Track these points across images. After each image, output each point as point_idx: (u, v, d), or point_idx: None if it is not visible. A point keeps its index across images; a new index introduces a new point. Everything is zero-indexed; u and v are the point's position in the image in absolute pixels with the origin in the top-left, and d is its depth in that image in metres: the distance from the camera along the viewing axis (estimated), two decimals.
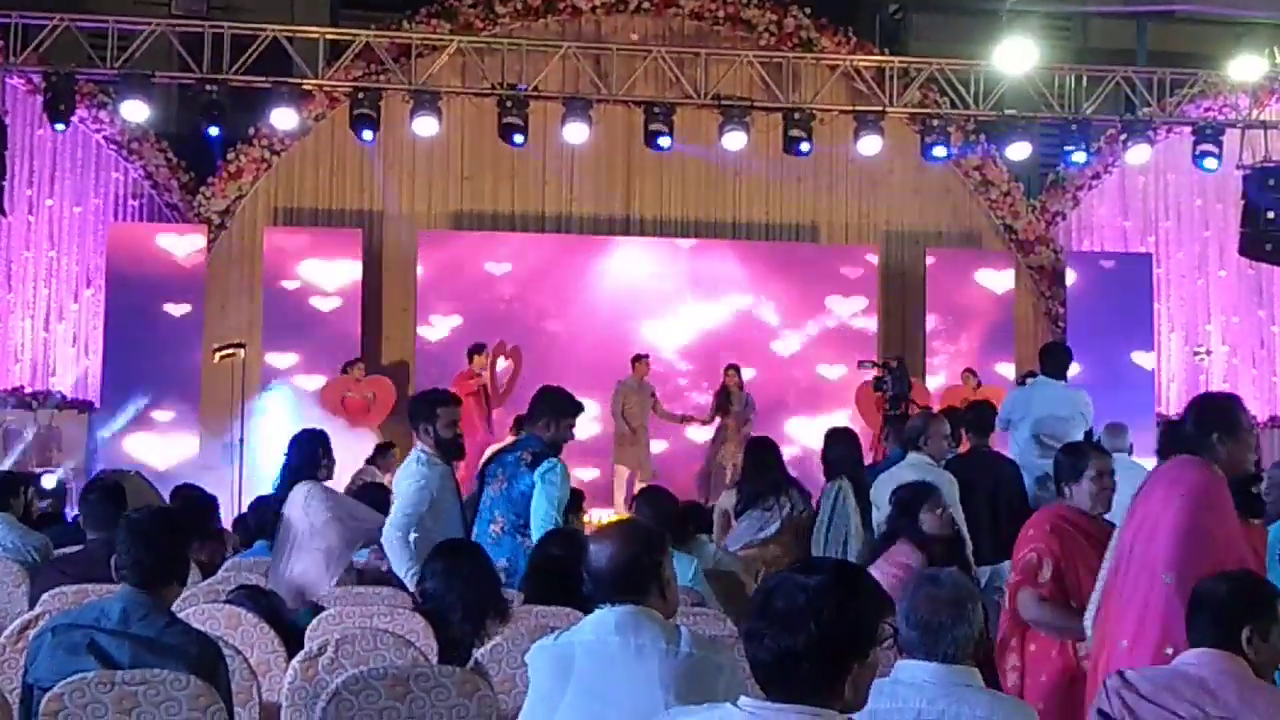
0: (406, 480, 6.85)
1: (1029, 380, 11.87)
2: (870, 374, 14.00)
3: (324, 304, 15.24)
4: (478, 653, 5.07)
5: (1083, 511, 5.30)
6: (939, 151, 14.65)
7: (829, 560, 2.94)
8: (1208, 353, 16.41)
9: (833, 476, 8.33)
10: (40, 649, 4.24)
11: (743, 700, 2.79)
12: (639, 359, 14.87)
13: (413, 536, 6.63)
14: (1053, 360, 9.66)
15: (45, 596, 5.85)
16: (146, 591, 4.19)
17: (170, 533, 4.39)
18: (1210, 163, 14.71)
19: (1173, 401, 16.51)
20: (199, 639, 4.21)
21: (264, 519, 7.87)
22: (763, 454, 8.56)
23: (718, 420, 15.00)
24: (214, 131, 13.71)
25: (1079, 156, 14.87)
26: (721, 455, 14.68)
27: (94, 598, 5.46)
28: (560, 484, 6.82)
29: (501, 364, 15.07)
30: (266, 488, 9.06)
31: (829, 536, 8.05)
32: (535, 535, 6.60)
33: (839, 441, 8.59)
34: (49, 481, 11.71)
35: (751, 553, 8.00)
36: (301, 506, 6.76)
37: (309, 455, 7.19)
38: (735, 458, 13.68)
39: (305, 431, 7.44)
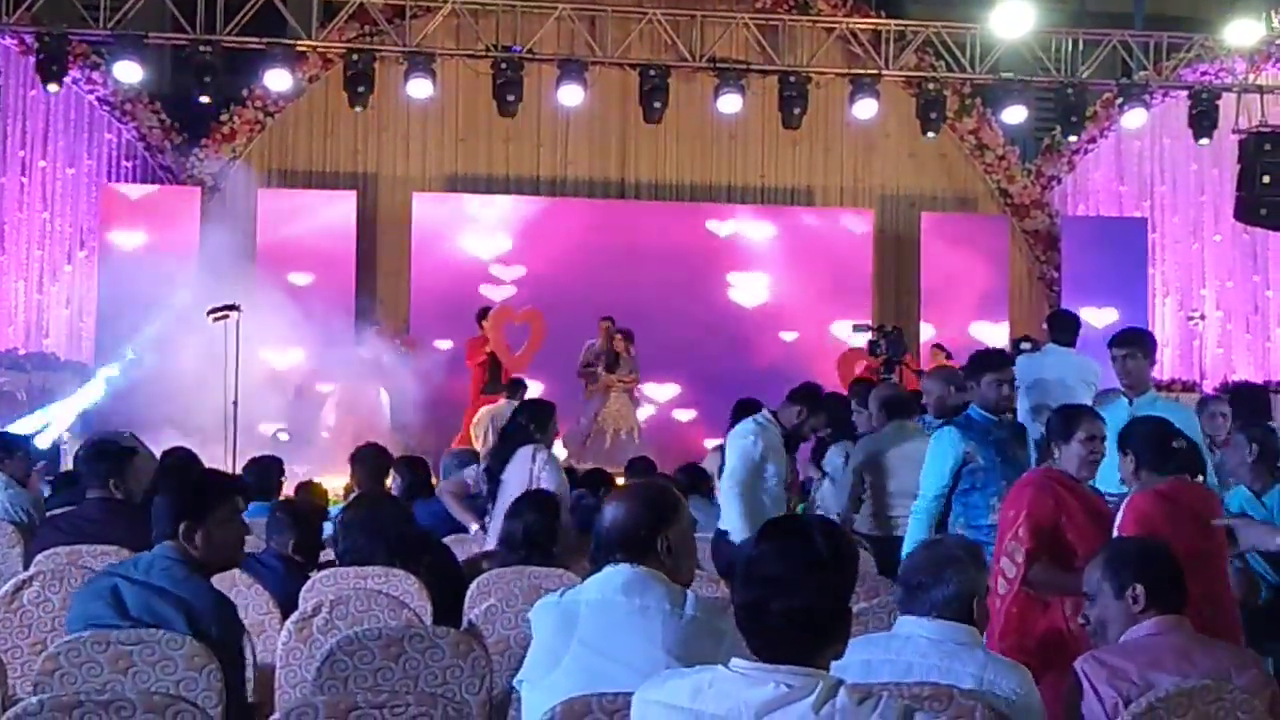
0: (742, 437, 7.32)
1: (1025, 345, 11.85)
2: (863, 338, 13.95)
3: (317, 266, 15.19)
4: (472, 613, 5.10)
5: (1068, 474, 5.32)
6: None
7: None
8: (1202, 317, 16.40)
9: (839, 439, 8.43)
10: (76, 597, 4.36)
11: (734, 661, 2.81)
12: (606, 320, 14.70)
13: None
14: (1061, 327, 9.61)
15: (40, 557, 5.85)
16: (175, 546, 4.23)
17: (190, 489, 4.43)
18: (1206, 126, 14.69)
19: (1166, 367, 16.53)
20: (210, 594, 4.22)
21: (260, 480, 7.92)
22: (547, 414, 8.62)
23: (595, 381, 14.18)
24: (205, 100, 13.69)
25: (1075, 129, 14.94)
26: (602, 418, 14.01)
27: (88, 558, 5.49)
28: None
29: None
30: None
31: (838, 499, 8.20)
32: None
33: (831, 405, 8.66)
34: (43, 441, 11.71)
35: None
36: (531, 469, 7.16)
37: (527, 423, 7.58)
38: (619, 422, 13.53)
39: (537, 401, 7.96)
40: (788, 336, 16.22)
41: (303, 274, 15.08)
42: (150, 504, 4.45)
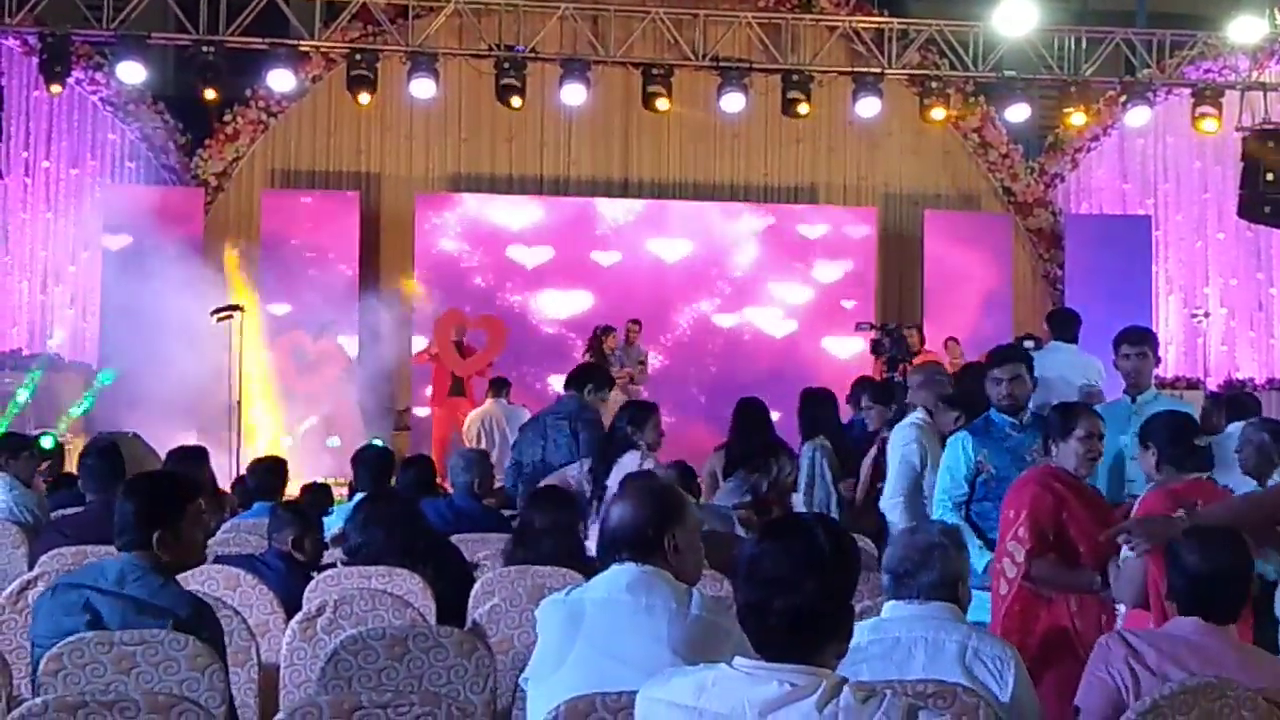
0: (904, 444, 7.07)
1: (1028, 344, 11.83)
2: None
3: (321, 266, 15.19)
4: (476, 613, 5.10)
5: (1068, 471, 5.31)
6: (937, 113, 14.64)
7: (801, 516, 3.00)
8: (1206, 315, 16.39)
9: (810, 437, 8.37)
10: (41, 608, 4.28)
11: (737, 660, 2.81)
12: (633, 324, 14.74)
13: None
14: (1062, 324, 9.59)
15: (44, 558, 5.86)
16: (144, 554, 4.21)
17: (161, 495, 4.37)
18: (1209, 124, 14.68)
19: (1170, 364, 16.51)
20: (191, 600, 4.22)
21: (264, 481, 7.91)
22: (750, 416, 8.57)
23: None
24: (211, 95, 13.67)
25: (1077, 118, 14.87)
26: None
27: (93, 559, 5.48)
28: None
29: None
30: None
31: (814, 498, 8.08)
32: None
33: (815, 402, 8.63)
34: (46, 441, 11.68)
35: (741, 515, 8.02)
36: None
37: (627, 424, 7.49)
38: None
39: (636, 402, 7.86)
40: (791, 335, 16.20)
41: (306, 274, 15.06)
42: None
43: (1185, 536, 4.02)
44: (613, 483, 7.12)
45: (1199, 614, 3.86)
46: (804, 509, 7.98)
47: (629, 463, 7.25)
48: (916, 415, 7.18)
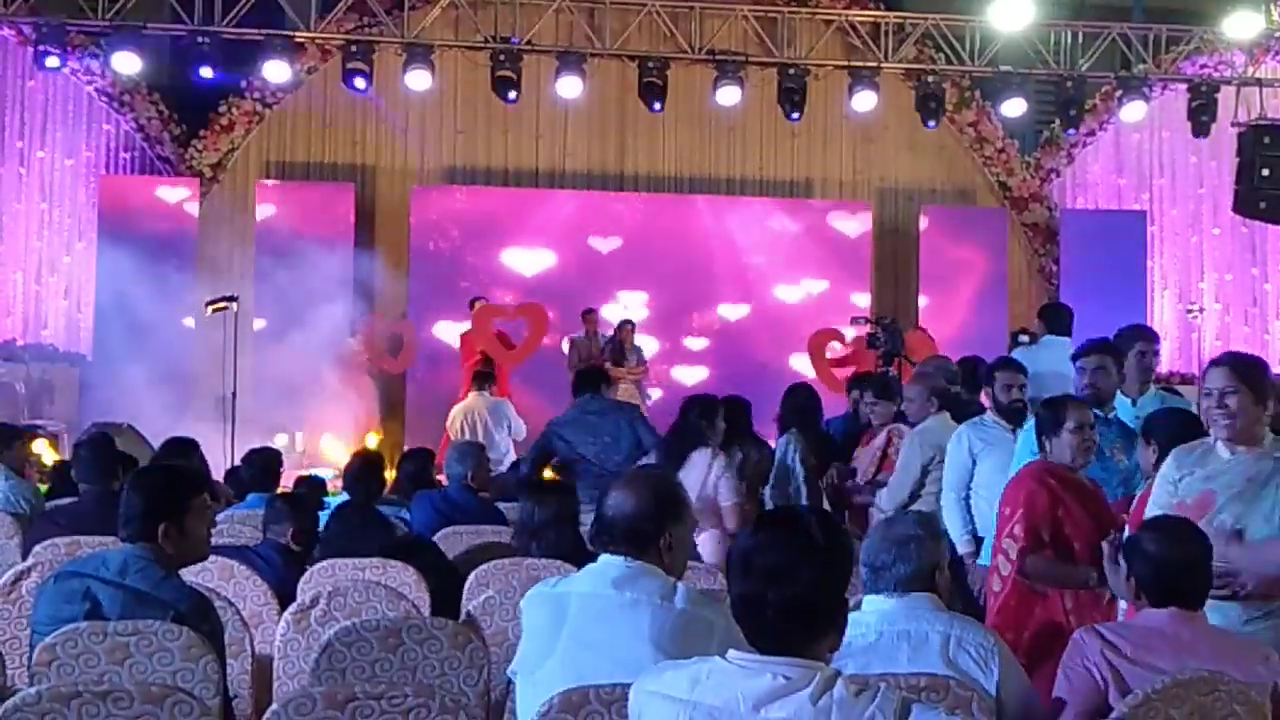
0: (954, 442, 7.02)
1: (1024, 338, 11.82)
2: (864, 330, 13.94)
3: (316, 258, 15.16)
4: (470, 605, 5.10)
5: (1064, 465, 5.31)
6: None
7: (794, 508, 3.01)
8: (1200, 310, 16.40)
9: (783, 430, 8.39)
10: (42, 594, 4.29)
11: (731, 653, 2.81)
12: (588, 313, 14.73)
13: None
14: (1055, 318, 9.58)
15: (38, 548, 5.87)
16: (148, 546, 4.20)
17: (168, 489, 4.37)
18: (1204, 130, 14.72)
19: (1165, 359, 16.52)
20: (191, 595, 4.21)
21: (259, 472, 7.91)
22: (715, 408, 8.60)
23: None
24: (207, 73, 13.55)
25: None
26: None
27: (86, 549, 5.49)
28: None
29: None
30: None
31: (783, 491, 8.10)
32: None
33: (790, 395, 8.67)
34: (40, 447, 11.68)
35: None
36: (706, 478, 6.98)
37: (699, 419, 7.48)
38: None
39: (702, 397, 7.76)
40: (786, 330, 16.18)
41: (301, 266, 15.03)
42: None
43: (1143, 529, 4.06)
44: (685, 480, 7.00)
45: (1170, 602, 3.90)
46: (770, 502, 8.03)
47: (700, 463, 7.24)
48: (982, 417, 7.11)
